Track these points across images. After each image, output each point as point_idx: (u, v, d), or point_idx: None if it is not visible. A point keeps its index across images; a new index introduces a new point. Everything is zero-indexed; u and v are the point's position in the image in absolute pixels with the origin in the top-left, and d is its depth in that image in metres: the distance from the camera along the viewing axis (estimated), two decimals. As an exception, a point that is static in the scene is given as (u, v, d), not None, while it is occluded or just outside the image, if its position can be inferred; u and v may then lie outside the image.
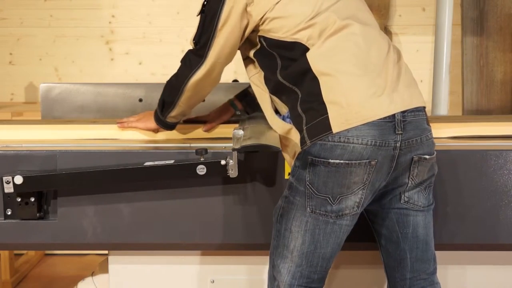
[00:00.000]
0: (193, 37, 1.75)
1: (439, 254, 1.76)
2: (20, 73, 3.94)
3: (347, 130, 1.51)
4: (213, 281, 2.03)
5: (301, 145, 1.57)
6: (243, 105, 2.07)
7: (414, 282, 1.71)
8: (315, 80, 1.56)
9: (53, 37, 3.91)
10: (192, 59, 1.74)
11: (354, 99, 1.53)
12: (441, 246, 1.81)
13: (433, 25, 3.21)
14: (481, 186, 1.85)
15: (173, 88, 1.80)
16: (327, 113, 1.53)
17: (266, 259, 2.00)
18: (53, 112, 2.45)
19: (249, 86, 2.04)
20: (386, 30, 3.85)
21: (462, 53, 3.83)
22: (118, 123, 2.02)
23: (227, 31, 1.67)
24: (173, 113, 1.85)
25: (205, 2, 1.71)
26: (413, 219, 1.67)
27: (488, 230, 1.87)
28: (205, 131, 2.03)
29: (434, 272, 1.74)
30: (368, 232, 1.75)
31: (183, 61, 1.78)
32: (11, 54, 3.94)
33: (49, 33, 3.91)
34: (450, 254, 1.98)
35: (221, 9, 1.65)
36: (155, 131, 1.98)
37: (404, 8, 3.89)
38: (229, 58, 1.74)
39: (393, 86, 1.56)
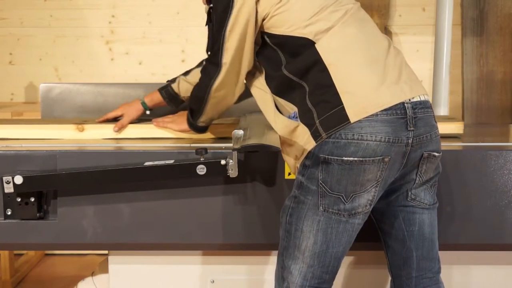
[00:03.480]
0: (206, 48, 1.75)
1: (440, 254, 1.75)
2: (20, 73, 3.94)
3: (361, 128, 1.51)
4: (213, 281, 2.03)
5: (314, 139, 1.56)
6: (167, 101, 2.07)
7: (420, 281, 1.71)
8: (325, 72, 1.56)
9: (53, 37, 3.91)
10: (209, 68, 1.74)
11: (368, 87, 1.54)
12: (442, 246, 1.81)
13: (433, 25, 3.20)
14: (481, 186, 1.85)
15: (197, 98, 1.81)
16: (342, 104, 1.53)
17: (266, 259, 2.01)
18: (53, 112, 2.45)
19: (167, 84, 2.08)
20: (386, 30, 3.85)
21: (462, 53, 3.83)
22: (153, 121, 2.05)
23: (238, 34, 1.65)
24: (202, 118, 1.86)
25: (211, 10, 1.71)
26: (419, 217, 1.68)
27: (488, 230, 1.87)
28: (116, 131, 2.04)
29: (439, 271, 1.74)
30: (370, 232, 1.74)
31: (202, 71, 1.79)
32: (11, 54, 3.93)
33: (49, 33, 3.91)
34: (451, 254, 1.98)
35: (230, 12, 1.64)
36: (188, 132, 1.99)
37: (404, 8, 3.89)
38: (249, 59, 1.71)
39: (400, 76, 1.59)
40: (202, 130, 1.93)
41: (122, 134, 2.07)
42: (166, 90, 2.08)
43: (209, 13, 1.74)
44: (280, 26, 1.63)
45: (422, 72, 3.81)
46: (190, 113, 1.89)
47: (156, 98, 2.09)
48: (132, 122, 2.08)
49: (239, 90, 1.77)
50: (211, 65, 1.73)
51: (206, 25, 1.75)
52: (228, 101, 1.80)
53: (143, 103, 2.09)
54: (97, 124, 2.09)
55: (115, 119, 2.10)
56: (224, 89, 1.75)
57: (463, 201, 1.86)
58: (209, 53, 1.75)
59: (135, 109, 2.09)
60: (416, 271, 1.71)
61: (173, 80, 2.09)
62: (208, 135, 2.03)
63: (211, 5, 1.71)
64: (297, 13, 1.61)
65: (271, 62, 1.68)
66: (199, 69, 1.96)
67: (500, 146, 1.93)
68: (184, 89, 2.05)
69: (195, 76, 2.00)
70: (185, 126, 1.94)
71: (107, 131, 2.06)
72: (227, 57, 1.68)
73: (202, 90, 1.77)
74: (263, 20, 1.65)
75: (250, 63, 1.71)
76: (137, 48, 3.92)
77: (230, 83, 1.74)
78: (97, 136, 2.05)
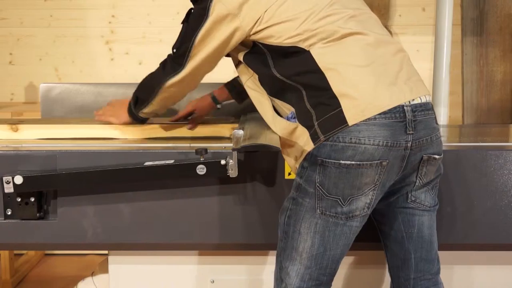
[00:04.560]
0: (173, 44, 1.75)
1: (440, 254, 1.75)
2: (20, 73, 3.94)
3: (359, 131, 1.49)
4: (213, 281, 2.03)
5: (312, 141, 1.55)
6: (234, 95, 2.10)
7: (418, 282, 1.71)
8: (321, 75, 1.54)
9: (53, 37, 3.91)
10: (170, 66, 1.76)
11: (365, 90, 1.51)
12: (442, 246, 1.81)
13: (433, 25, 3.21)
14: (481, 186, 1.85)
15: (148, 88, 1.83)
16: (340, 106, 1.51)
17: (266, 259, 2.01)
18: (53, 112, 2.45)
19: (233, 79, 2.10)
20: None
21: (462, 53, 3.83)
22: (95, 113, 2.07)
23: (207, 45, 1.66)
24: (146, 110, 1.89)
25: (191, 11, 1.71)
26: (419, 219, 1.67)
27: (488, 230, 1.87)
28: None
29: (438, 272, 1.74)
30: (370, 232, 1.74)
31: (162, 64, 1.80)
32: (11, 54, 3.94)
33: (49, 33, 3.91)
34: (451, 254, 1.98)
35: (204, 22, 1.64)
36: (128, 123, 2.01)
37: (404, 8, 3.89)
38: (210, 68, 1.76)
39: (400, 76, 1.56)
40: (141, 121, 1.96)
41: (63, 135, 2.06)
42: (231, 84, 2.11)
43: (187, 14, 1.73)
44: (269, 37, 1.61)
45: (422, 72, 3.75)
46: (134, 102, 1.90)
47: (224, 92, 2.12)
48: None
49: (192, 89, 1.83)
50: (173, 63, 1.75)
51: (181, 23, 1.74)
52: (177, 98, 1.85)
53: (214, 98, 2.12)
54: (32, 124, 2.08)
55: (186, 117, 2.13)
56: (178, 88, 1.78)
57: (463, 201, 1.86)
58: (174, 50, 1.75)
59: (207, 105, 2.12)
60: (414, 273, 1.70)
61: None
62: (208, 135, 2.03)
63: (193, 8, 1.71)
64: (284, 25, 1.59)
65: (260, 64, 1.67)
66: None
67: (500, 146, 1.93)
68: None
69: None
70: (125, 118, 1.97)
71: (42, 131, 2.05)
72: (191, 62, 1.71)
73: (155, 82, 1.80)
74: (250, 33, 1.63)
75: (209, 70, 1.76)
76: (137, 48, 3.92)
77: (185, 84, 1.77)
78: (31, 136, 2.05)
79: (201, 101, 2.12)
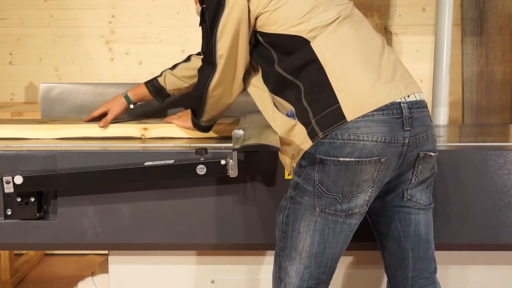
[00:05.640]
0: (201, 48, 1.75)
1: (438, 254, 1.76)
2: (20, 73, 3.94)
3: (357, 128, 1.50)
4: (213, 281, 2.03)
5: (311, 138, 1.56)
6: (153, 94, 2.10)
7: (416, 281, 1.71)
8: (320, 70, 1.56)
9: (53, 37, 3.91)
10: (205, 68, 1.74)
11: (363, 86, 1.53)
12: (441, 246, 1.81)
13: (433, 25, 3.21)
14: (481, 186, 1.85)
15: (197, 98, 1.81)
16: (338, 102, 1.53)
17: (266, 259, 2.01)
18: (53, 112, 2.45)
19: (154, 78, 2.11)
20: (386, 30, 3.85)
21: (462, 53, 3.83)
22: (164, 120, 2.09)
23: (230, 33, 1.65)
24: (204, 118, 1.86)
25: (203, 10, 1.71)
26: (415, 217, 1.68)
27: (488, 230, 1.87)
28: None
29: (434, 271, 1.74)
30: (366, 232, 1.75)
31: (199, 71, 1.79)
32: (11, 54, 3.93)
33: (49, 33, 3.91)
34: (450, 254, 1.98)
35: (221, 12, 1.64)
36: (193, 130, 1.99)
37: (404, 8, 3.89)
38: (243, 60, 1.70)
39: (395, 74, 1.59)
40: (205, 129, 1.93)
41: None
42: (152, 83, 2.11)
43: (202, 14, 1.73)
44: (273, 24, 1.62)
45: (422, 72, 3.81)
46: (193, 114, 1.89)
47: (141, 92, 2.11)
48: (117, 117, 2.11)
49: (236, 89, 1.76)
50: (206, 65, 1.73)
51: (200, 25, 1.75)
52: (226, 100, 1.79)
53: (126, 97, 2.11)
54: None
55: (101, 117, 2.11)
56: (221, 88, 1.74)
57: (463, 201, 1.86)
58: (203, 51, 1.75)
59: (119, 104, 2.11)
60: (412, 272, 1.71)
61: (159, 75, 2.11)
62: (208, 134, 2.03)
63: (204, 5, 1.71)
64: (289, 12, 1.60)
65: (264, 60, 1.68)
66: (186, 63, 2.04)
67: (500, 146, 1.93)
68: (170, 82, 2.09)
69: (181, 70, 2.06)
70: (189, 124, 1.94)
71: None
72: (220, 56, 1.68)
73: (200, 90, 1.77)
74: (256, 18, 1.65)
75: (245, 62, 1.71)
76: (137, 48, 3.92)
77: (226, 82, 1.73)
78: None
79: (114, 101, 2.12)
